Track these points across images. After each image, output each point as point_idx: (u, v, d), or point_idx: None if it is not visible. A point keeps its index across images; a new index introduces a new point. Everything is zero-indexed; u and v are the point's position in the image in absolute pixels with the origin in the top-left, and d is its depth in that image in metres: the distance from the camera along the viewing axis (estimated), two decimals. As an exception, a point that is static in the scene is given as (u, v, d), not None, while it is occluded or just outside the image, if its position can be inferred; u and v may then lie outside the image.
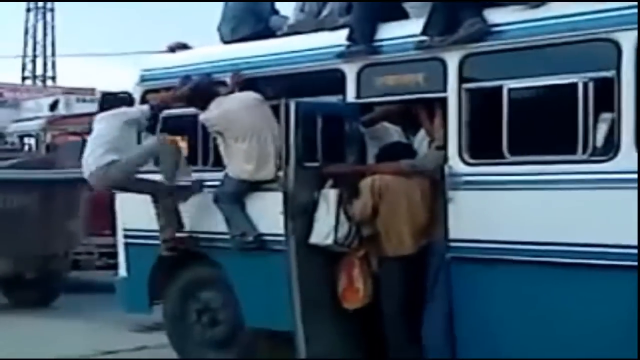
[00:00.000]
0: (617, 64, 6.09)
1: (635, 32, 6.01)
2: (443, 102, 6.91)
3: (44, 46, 45.12)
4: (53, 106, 17.31)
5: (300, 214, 7.18)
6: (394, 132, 7.79)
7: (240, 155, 7.82)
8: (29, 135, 16.45)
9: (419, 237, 7.06)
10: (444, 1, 6.89)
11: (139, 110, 8.49)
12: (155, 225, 8.27)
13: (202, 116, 8.05)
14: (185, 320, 8.50)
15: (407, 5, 7.42)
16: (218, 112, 7.97)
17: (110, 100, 8.67)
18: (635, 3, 6.04)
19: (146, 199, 8.28)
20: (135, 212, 8.68)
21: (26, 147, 16.16)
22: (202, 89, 8.18)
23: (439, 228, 6.90)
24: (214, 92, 8.13)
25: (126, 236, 8.83)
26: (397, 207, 7.07)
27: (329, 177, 7.30)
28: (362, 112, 7.54)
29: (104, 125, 8.33)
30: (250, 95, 8.00)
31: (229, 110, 7.92)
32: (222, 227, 7.94)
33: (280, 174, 7.32)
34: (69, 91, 16.68)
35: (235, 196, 7.90)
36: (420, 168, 7.13)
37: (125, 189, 8.50)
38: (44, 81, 43.42)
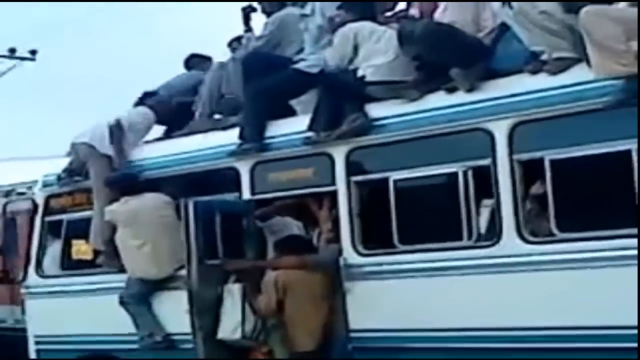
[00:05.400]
0: (492, 152, 6.29)
1: (507, 121, 6.23)
2: (333, 195, 7.06)
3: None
4: None
5: (206, 311, 7.24)
6: (293, 226, 7.90)
7: (142, 256, 7.87)
8: None
9: (324, 330, 7.11)
10: (327, 98, 7.08)
11: None
12: (66, 331, 8.25)
13: (108, 209, 8.09)
14: None
15: (294, 103, 7.61)
16: (125, 209, 8.02)
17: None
18: (505, 94, 6.28)
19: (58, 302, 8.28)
20: (46, 318, 8.65)
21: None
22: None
23: (340, 319, 6.98)
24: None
25: (37, 342, 8.78)
26: (301, 302, 7.09)
27: (231, 273, 7.37)
28: (259, 207, 7.65)
29: None
30: (159, 198, 8.05)
31: (136, 209, 7.99)
32: (131, 328, 7.96)
33: (184, 272, 7.38)
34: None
35: (140, 296, 7.94)
36: (320, 261, 7.22)
37: None
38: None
